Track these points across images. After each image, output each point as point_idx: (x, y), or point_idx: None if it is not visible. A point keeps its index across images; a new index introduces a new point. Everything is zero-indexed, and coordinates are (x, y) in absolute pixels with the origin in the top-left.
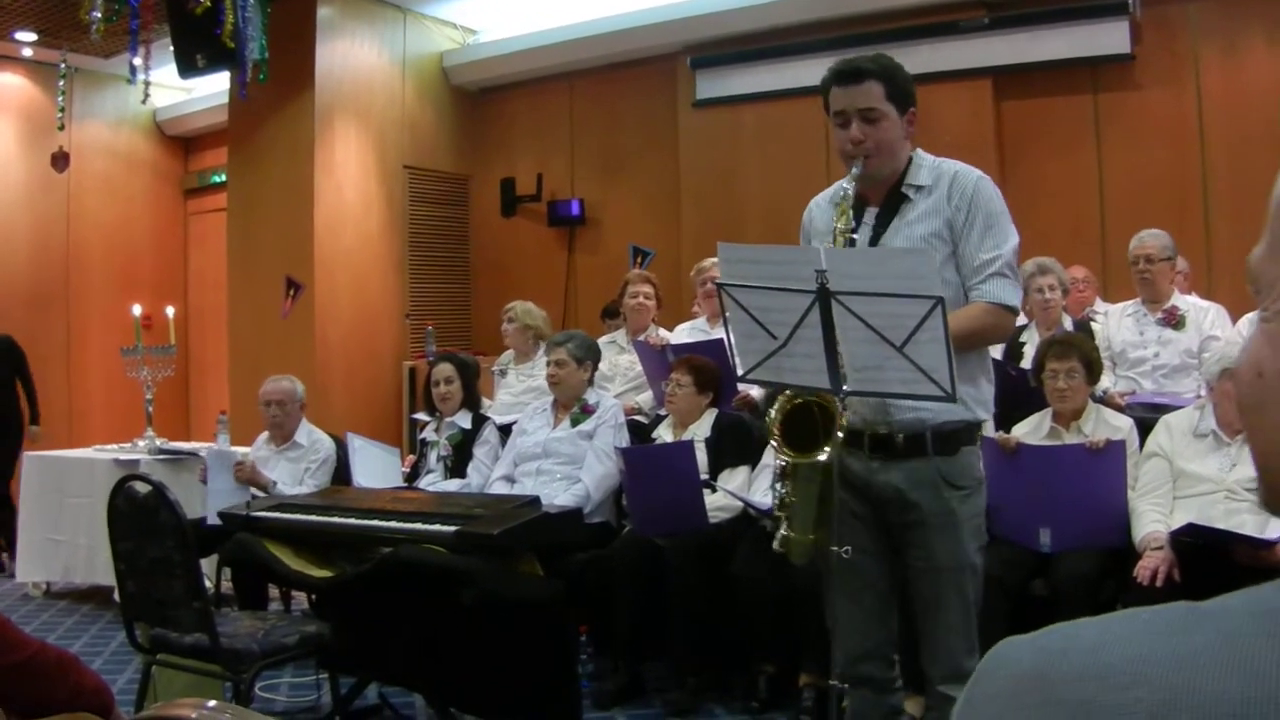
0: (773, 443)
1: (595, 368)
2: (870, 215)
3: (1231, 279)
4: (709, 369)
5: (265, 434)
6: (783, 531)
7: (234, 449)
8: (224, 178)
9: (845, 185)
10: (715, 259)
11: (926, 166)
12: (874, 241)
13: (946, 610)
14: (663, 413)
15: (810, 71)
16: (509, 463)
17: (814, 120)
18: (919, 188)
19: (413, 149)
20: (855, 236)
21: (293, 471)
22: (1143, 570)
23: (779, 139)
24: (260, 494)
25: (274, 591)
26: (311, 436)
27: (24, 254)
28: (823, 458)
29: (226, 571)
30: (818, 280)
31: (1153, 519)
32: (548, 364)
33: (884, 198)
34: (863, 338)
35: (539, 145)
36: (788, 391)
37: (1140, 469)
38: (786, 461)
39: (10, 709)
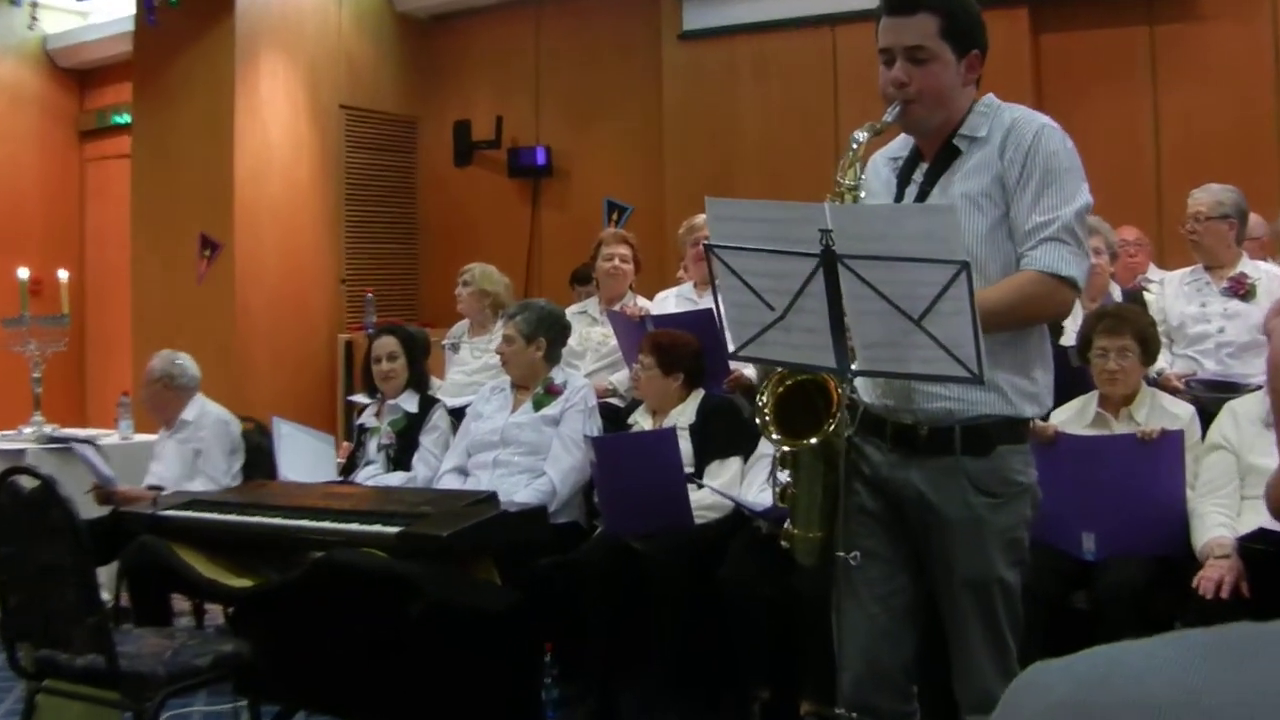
0: (763, 431)
1: (558, 344)
2: (921, 172)
3: None
4: (678, 346)
5: None
6: (787, 526)
7: (101, 465)
8: (127, 118)
9: (860, 135)
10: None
11: (988, 114)
12: (920, 201)
13: (970, 631)
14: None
15: None
16: (461, 452)
17: (821, 55)
18: (973, 139)
19: (350, 86)
20: (863, 195)
21: (181, 455)
22: (1204, 581)
23: (780, 77)
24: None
25: (184, 604)
26: (200, 410)
27: None
28: (818, 440)
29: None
30: (822, 242)
31: (1216, 522)
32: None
33: (936, 151)
34: (874, 309)
35: (499, 83)
36: (779, 371)
37: (1201, 464)
38: (782, 446)
39: None
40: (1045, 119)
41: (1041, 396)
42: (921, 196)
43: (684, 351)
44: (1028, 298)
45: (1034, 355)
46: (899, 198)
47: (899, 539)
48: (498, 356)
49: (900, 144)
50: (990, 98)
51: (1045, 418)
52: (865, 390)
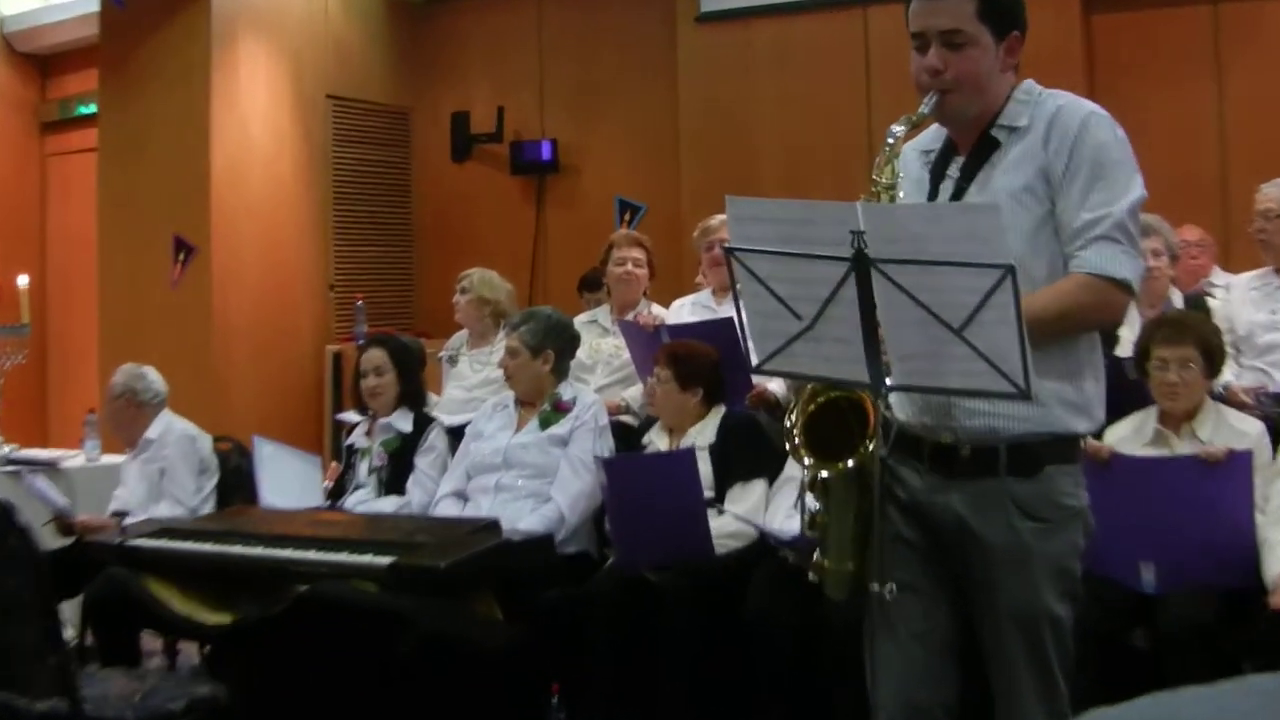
0: (793, 453)
1: (566, 356)
2: (956, 167)
3: None
4: (696, 358)
5: None
6: (816, 558)
7: (53, 495)
8: (94, 108)
9: (896, 128)
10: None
11: (1029, 102)
12: (956, 199)
13: (1016, 670)
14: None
15: None
16: (460, 476)
17: (852, 39)
18: (1013, 129)
19: (339, 74)
20: (902, 195)
21: (145, 476)
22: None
23: (805, 64)
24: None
25: (155, 642)
26: (165, 427)
27: None
28: (854, 463)
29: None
30: (854, 244)
31: None
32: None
33: (973, 144)
34: (911, 318)
35: (500, 70)
36: (808, 389)
37: (1273, 486)
38: (814, 471)
39: None
40: (1093, 106)
41: (1093, 411)
42: (958, 194)
43: (703, 364)
44: (1078, 303)
45: (1084, 365)
46: (933, 195)
47: (938, 569)
48: (500, 370)
49: (932, 136)
50: (1030, 84)
51: (1098, 435)
52: (900, 406)
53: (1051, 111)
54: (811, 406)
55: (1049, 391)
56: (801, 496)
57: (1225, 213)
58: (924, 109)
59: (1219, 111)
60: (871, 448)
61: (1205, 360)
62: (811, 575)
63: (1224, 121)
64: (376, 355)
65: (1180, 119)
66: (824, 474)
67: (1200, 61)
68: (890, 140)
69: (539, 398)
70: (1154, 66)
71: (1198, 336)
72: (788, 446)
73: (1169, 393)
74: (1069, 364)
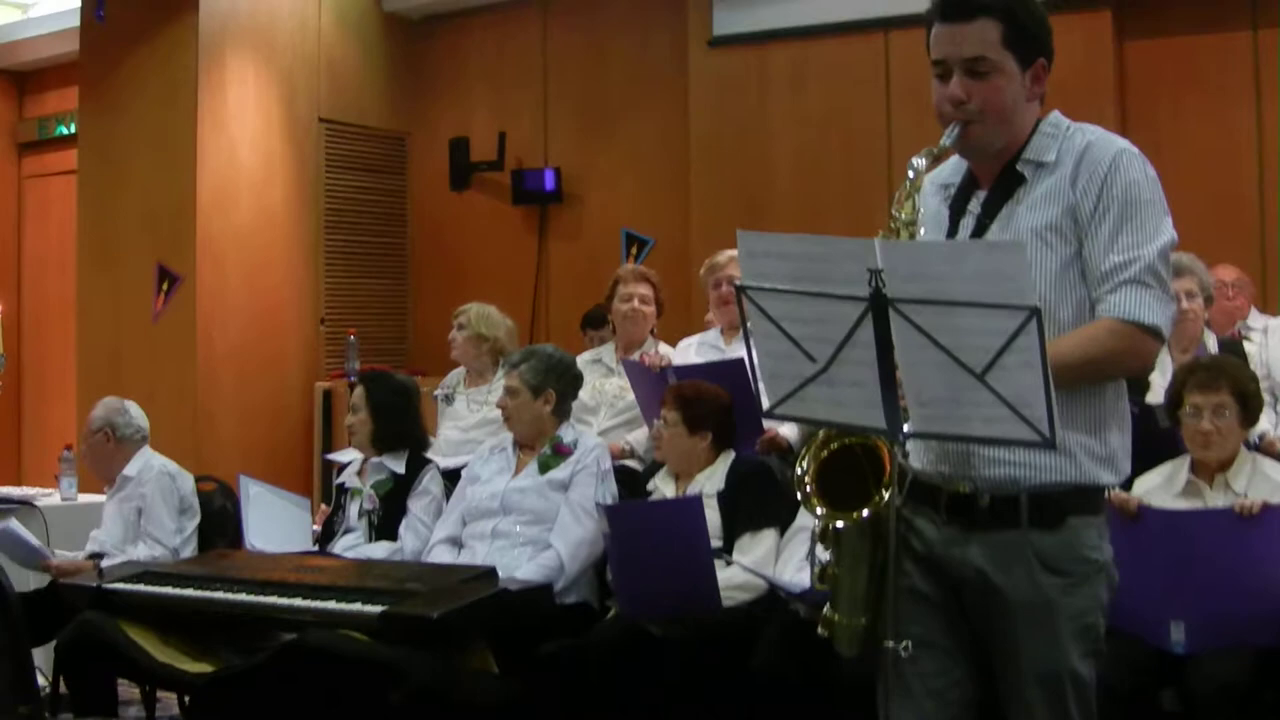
0: (804, 503)
1: (568, 397)
2: (978, 202)
3: None
4: (706, 400)
5: None
6: (826, 612)
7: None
8: (73, 128)
9: (918, 162)
10: (733, 252)
11: (1056, 136)
12: (978, 236)
13: None
14: None
15: None
16: (455, 521)
17: (872, 64)
18: (1039, 164)
19: (332, 97)
20: (923, 232)
21: (122, 515)
22: None
23: (825, 89)
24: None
25: (132, 691)
26: (144, 464)
27: None
28: (869, 512)
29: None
30: (871, 283)
31: None
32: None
33: (995, 177)
34: (931, 361)
35: (501, 94)
36: (821, 434)
37: None
38: (826, 521)
39: None
40: (1124, 143)
41: (1118, 461)
42: (979, 230)
43: (712, 406)
44: (1106, 350)
45: (1110, 414)
46: (952, 232)
47: (956, 625)
48: (498, 411)
49: (952, 169)
50: (1057, 116)
51: (1126, 486)
52: (916, 454)
53: (1081, 147)
54: (824, 453)
55: (1073, 441)
56: (812, 547)
57: (1264, 252)
58: (946, 141)
59: (1258, 143)
60: (887, 497)
61: (1241, 407)
62: (821, 630)
63: (1263, 154)
64: (357, 393)
65: (1217, 151)
66: (837, 524)
67: (1239, 90)
68: (911, 174)
69: (539, 440)
70: (1190, 96)
71: (1233, 382)
72: (799, 495)
73: (1203, 441)
74: (1094, 413)
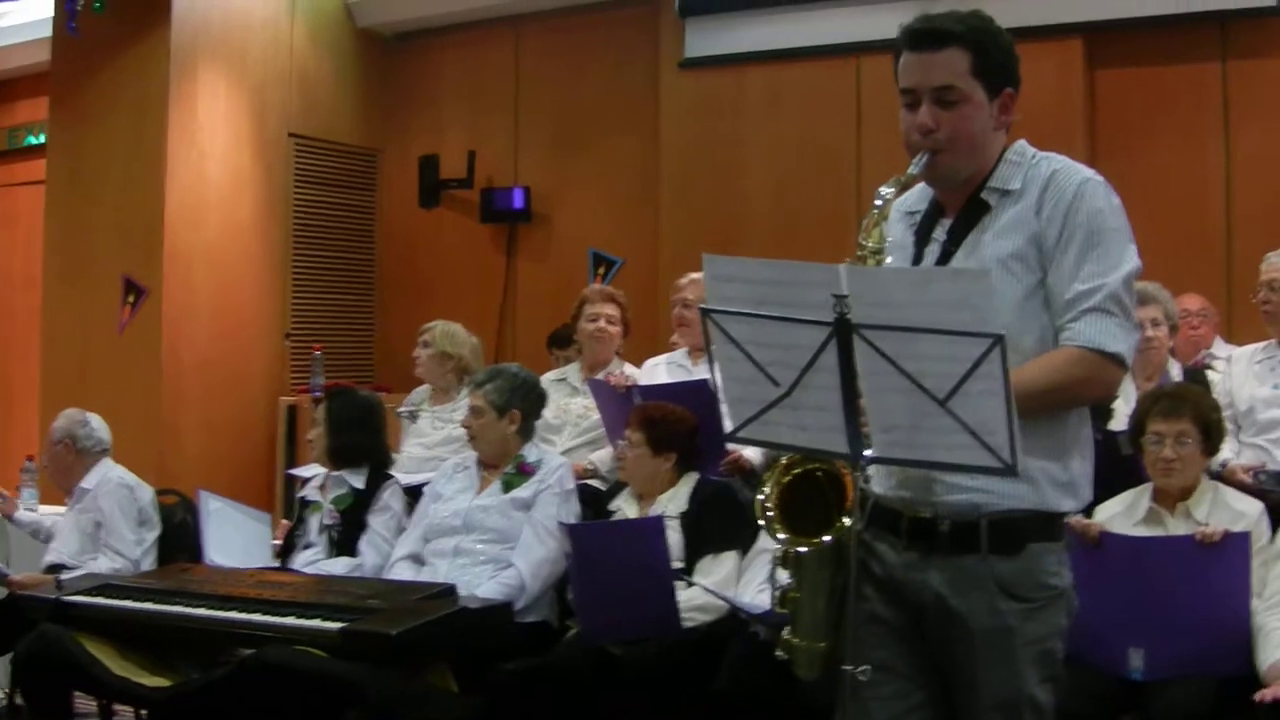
0: (767, 527)
1: (532, 416)
2: (943, 230)
3: None
4: (670, 421)
5: None
6: (786, 635)
7: None
8: (42, 138)
9: (886, 191)
10: (697, 275)
11: (1022, 165)
12: (943, 263)
13: None
14: None
15: (839, 23)
16: (417, 538)
17: (843, 88)
18: (1005, 192)
19: (302, 112)
20: (890, 260)
21: (79, 527)
22: (1266, 696)
23: (796, 113)
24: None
25: (89, 704)
26: (102, 476)
27: None
28: (831, 538)
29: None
30: (836, 308)
31: None
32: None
33: (961, 206)
34: (894, 387)
35: (472, 113)
36: (783, 460)
37: (1271, 570)
38: (789, 546)
39: None
40: (1089, 172)
41: (1079, 488)
42: (944, 258)
43: (678, 428)
44: (1069, 378)
45: (1072, 441)
46: (917, 259)
47: (915, 650)
48: (463, 429)
49: (917, 196)
50: (1023, 145)
51: (1088, 513)
52: (878, 478)
53: (1046, 175)
54: (786, 478)
55: (1035, 467)
56: (773, 571)
57: (1229, 281)
58: (914, 169)
59: (1226, 173)
60: (849, 523)
61: (1203, 436)
62: (780, 652)
63: (1230, 183)
64: (320, 408)
65: (1185, 180)
66: (800, 549)
67: (1208, 120)
68: (879, 203)
69: (503, 459)
70: (1160, 125)
71: (1196, 411)
72: (761, 520)
73: (1164, 469)
74: (1056, 440)
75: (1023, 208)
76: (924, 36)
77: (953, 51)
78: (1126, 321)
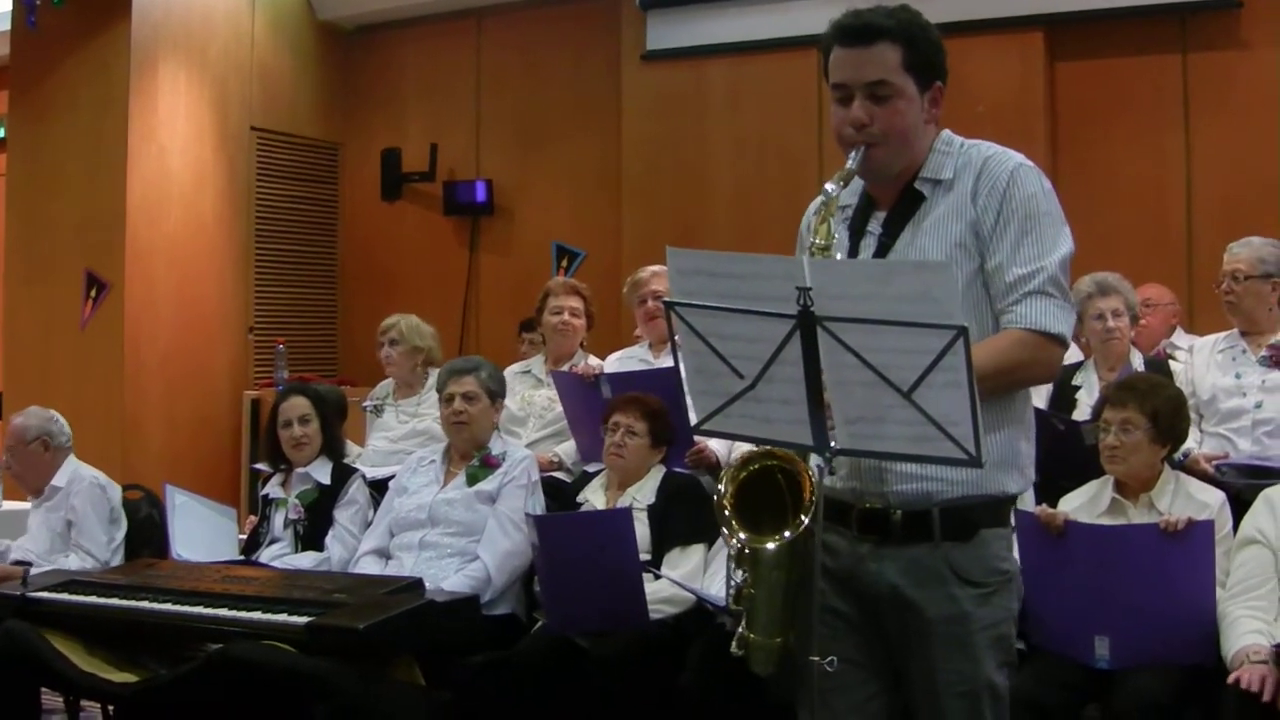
0: (724, 525)
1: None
2: (877, 223)
3: None
4: (667, 416)
5: None
6: (741, 630)
7: None
8: (1, 133)
9: (831, 187)
10: (659, 268)
11: (951, 154)
12: (880, 256)
13: None
14: (589, 468)
15: (803, 16)
16: (383, 532)
17: (805, 81)
18: (937, 182)
19: (264, 105)
20: (839, 256)
21: (49, 525)
22: (1244, 675)
23: (758, 106)
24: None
25: (55, 700)
26: (73, 474)
27: None
28: (788, 534)
29: None
30: (799, 301)
31: (1250, 628)
32: (451, 398)
33: (894, 199)
34: (858, 379)
35: (434, 105)
36: (741, 455)
37: (1233, 559)
38: (742, 544)
39: None
40: (1020, 157)
41: (1025, 469)
42: (882, 250)
43: (671, 423)
44: (1014, 360)
45: (1017, 423)
46: (853, 252)
47: (871, 641)
48: (429, 422)
49: (848, 190)
50: (948, 134)
51: (1051, 504)
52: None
53: (979, 162)
54: (743, 474)
55: (983, 451)
56: (729, 568)
57: (1190, 272)
58: (850, 164)
59: (1186, 164)
60: (807, 521)
61: (1152, 424)
62: (735, 648)
63: (1191, 175)
64: (301, 403)
65: (1146, 172)
66: (765, 546)
67: (1168, 112)
68: (825, 199)
69: (474, 451)
70: (1120, 117)
71: (1142, 399)
72: (719, 517)
73: (1108, 456)
74: (1002, 422)
75: (957, 195)
76: (855, 32)
77: (884, 46)
78: (1065, 303)
